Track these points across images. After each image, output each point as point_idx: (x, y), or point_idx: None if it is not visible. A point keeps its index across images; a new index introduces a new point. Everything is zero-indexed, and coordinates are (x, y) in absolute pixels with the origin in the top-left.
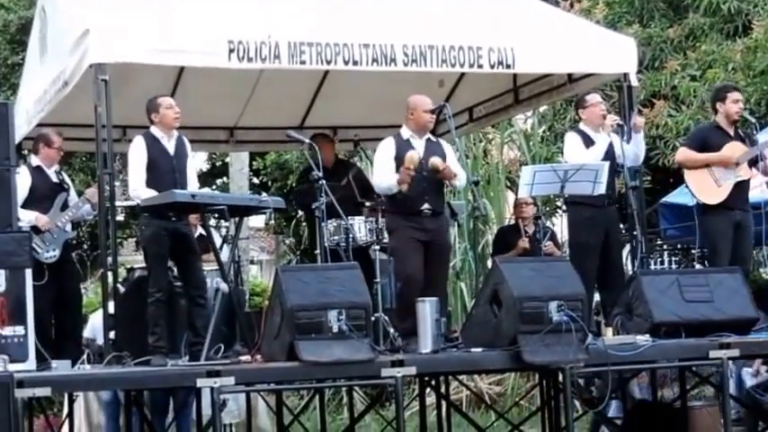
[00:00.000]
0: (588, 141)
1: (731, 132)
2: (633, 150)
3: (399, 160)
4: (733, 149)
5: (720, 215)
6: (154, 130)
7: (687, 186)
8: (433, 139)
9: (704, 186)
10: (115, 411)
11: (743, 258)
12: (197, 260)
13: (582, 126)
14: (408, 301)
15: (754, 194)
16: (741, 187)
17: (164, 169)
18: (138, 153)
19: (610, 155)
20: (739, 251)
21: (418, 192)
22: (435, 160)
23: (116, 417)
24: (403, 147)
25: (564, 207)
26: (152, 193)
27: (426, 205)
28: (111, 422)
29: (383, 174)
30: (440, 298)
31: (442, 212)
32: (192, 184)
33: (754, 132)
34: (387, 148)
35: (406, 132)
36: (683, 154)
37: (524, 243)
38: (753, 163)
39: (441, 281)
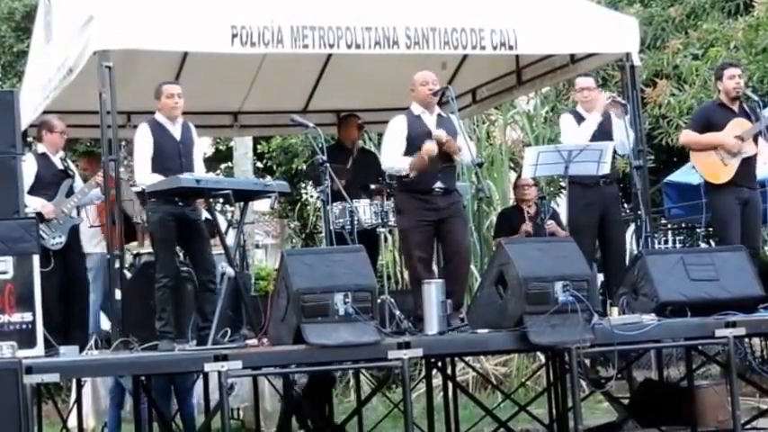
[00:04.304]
0: (581, 121)
1: (735, 109)
2: (618, 137)
3: (411, 138)
4: (737, 126)
5: (728, 193)
6: (158, 116)
7: (694, 167)
8: (444, 114)
9: (711, 166)
10: (118, 397)
11: (751, 237)
12: (206, 245)
13: (578, 107)
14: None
15: (760, 172)
16: (748, 164)
17: (170, 155)
18: (142, 141)
19: (603, 132)
20: (747, 229)
21: (431, 171)
22: (439, 133)
23: (119, 403)
24: (415, 124)
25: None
26: (158, 178)
27: (438, 184)
28: (113, 408)
29: (393, 154)
30: (461, 274)
31: (454, 190)
32: (200, 170)
33: (758, 110)
34: (398, 126)
35: (416, 109)
36: (687, 137)
37: (527, 227)
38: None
39: (461, 255)
